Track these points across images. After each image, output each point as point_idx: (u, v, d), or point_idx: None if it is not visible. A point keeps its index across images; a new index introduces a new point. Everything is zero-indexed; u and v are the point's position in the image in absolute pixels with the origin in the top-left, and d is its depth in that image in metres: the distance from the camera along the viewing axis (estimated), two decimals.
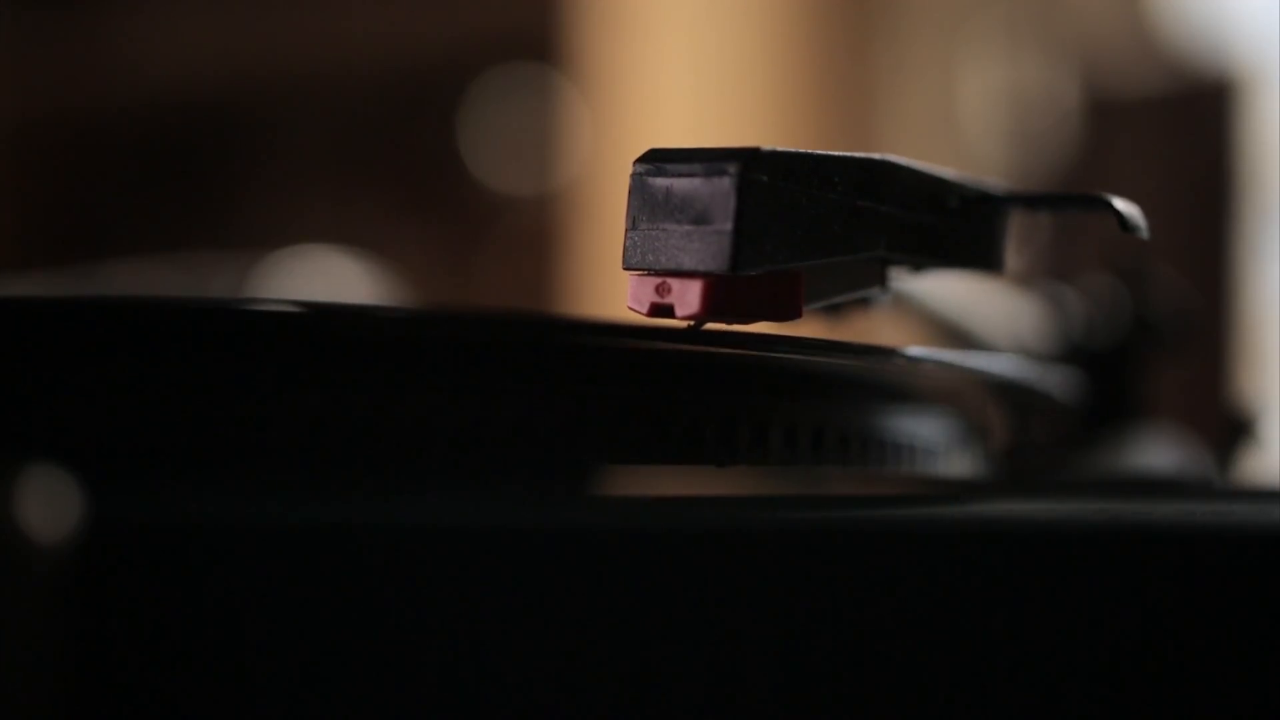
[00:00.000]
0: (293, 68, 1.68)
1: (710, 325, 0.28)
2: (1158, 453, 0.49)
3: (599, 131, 1.53)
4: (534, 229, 1.60)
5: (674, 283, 0.27)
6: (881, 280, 0.31)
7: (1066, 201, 0.37)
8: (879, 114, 1.54)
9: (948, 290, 0.45)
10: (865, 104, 1.56)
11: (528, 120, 1.62)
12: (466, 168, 1.65)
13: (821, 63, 1.56)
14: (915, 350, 0.30)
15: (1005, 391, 0.36)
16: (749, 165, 0.27)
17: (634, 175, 0.28)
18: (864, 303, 0.34)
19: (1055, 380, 0.39)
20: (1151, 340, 0.50)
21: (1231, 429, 0.49)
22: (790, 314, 0.28)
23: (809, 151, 0.28)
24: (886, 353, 0.30)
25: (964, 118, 1.46)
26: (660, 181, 0.27)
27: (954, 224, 0.31)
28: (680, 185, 0.27)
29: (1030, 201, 0.33)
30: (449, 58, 1.63)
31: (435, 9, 1.64)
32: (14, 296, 0.27)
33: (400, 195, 1.68)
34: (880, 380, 0.32)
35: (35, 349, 0.27)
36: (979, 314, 0.46)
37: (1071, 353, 0.49)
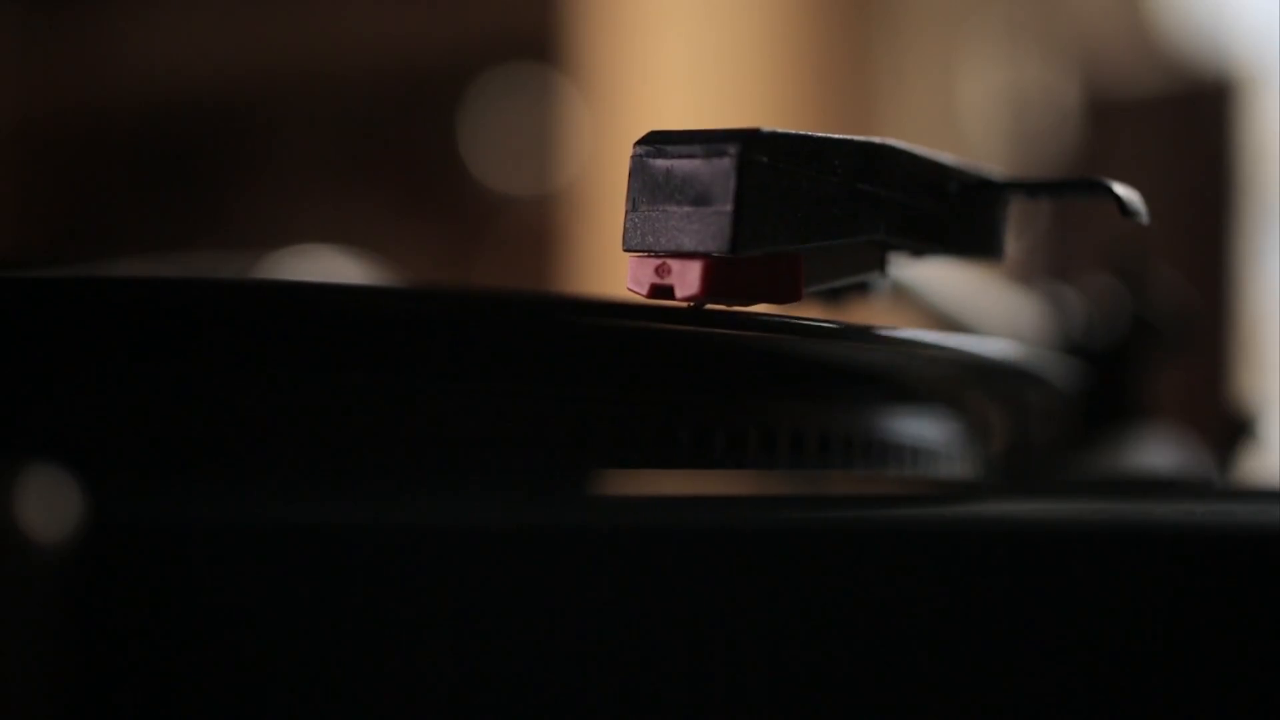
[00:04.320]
0: (292, 68, 1.68)
1: (710, 306, 0.28)
2: (1158, 453, 0.49)
3: (599, 131, 1.53)
4: (534, 229, 1.60)
5: (674, 264, 0.27)
6: (881, 265, 0.31)
7: (1066, 187, 0.37)
8: (879, 114, 1.54)
9: (947, 282, 0.45)
10: (865, 104, 1.56)
11: (528, 120, 1.62)
12: (466, 168, 1.65)
13: (821, 63, 1.56)
14: (914, 332, 0.30)
15: (1001, 375, 0.35)
16: (749, 146, 0.27)
17: (634, 156, 0.28)
18: (863, 288, 0.34)
19: (1051, 365, 0.39)
20: (1151, 340, 0.50)
21: (1231, 429, 0.49)
22: (790, 296, 0.28)
23: (809, 134, 0.28)
24: (886, 332, 0.30)
25: (964, 118, 1.46)
26: (660, 163, 0.27)
27: (954, 210, 0.31)
28: (680, 166, 0.27)
29: (1030, 188, 0.33)
30: (449, 58, 1.63)
31: (435, 9, 1.64)
32: (11, 294, 0.27)
33: (400, 195, 1.68)
34: (879, 366, 0.32)
35: (35, 346, 0.27)
36: (978, 307, 0.46)
37: (1071, 353, 0.49)
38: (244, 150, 1.74)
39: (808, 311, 0.30)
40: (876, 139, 0.29)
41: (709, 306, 0.28)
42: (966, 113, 1.46)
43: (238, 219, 1.71)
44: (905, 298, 0.43)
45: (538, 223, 1.60)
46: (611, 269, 1.33)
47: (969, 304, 0.46)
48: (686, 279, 0.27)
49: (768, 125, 0.27)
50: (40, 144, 1.78)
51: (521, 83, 1.62)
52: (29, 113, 1.78)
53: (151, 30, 1.74)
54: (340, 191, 1.69)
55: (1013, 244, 0.32)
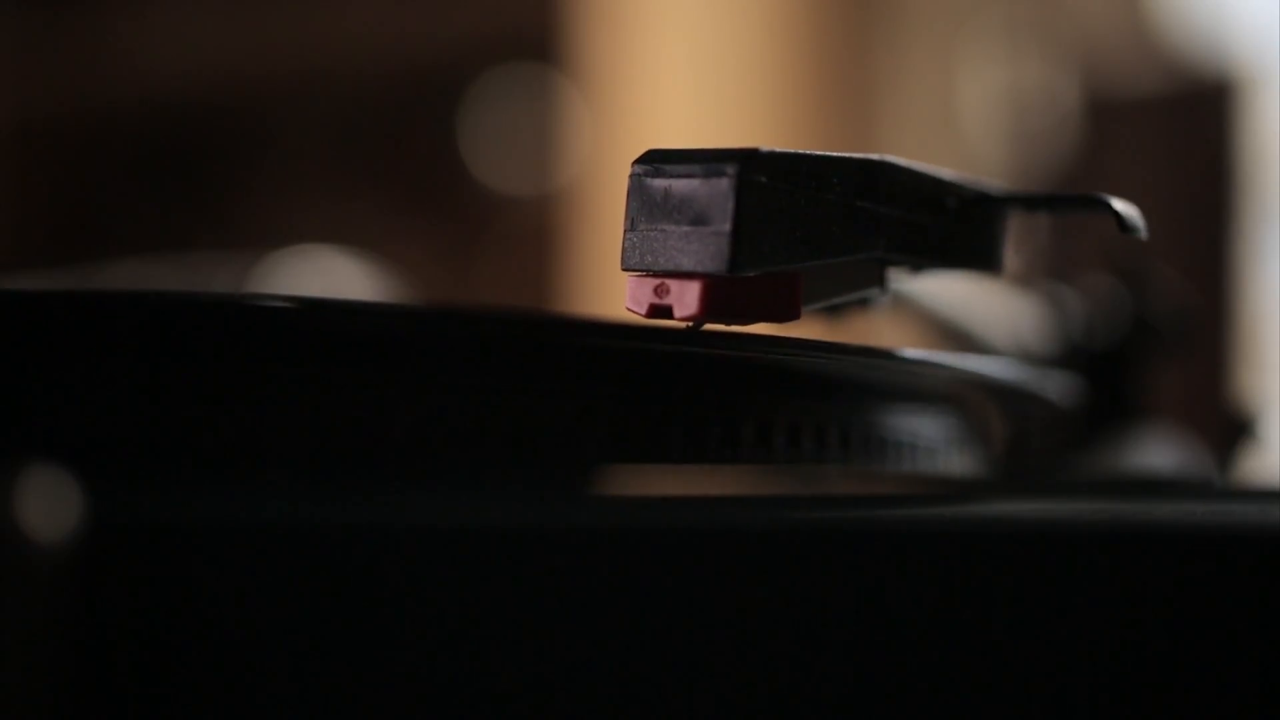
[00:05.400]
0: (292, 68, 1.68)
1: (709, 326, 0.28)
2: (1158, 453, 0.49)
3: (599, 131, 1.53)
4: (534, 229, 1.60)
5: (673, 284, 0.27)
6: (880, 281, 0.31)
7: (1065, 202, 0.37)
8: (879, 114, 1.54)
9: (947, 291, 0.45)
10: (865, 104, 1.56)
11: (528, 120, 1.62)
12: (466, 168, 1.65)
13: (821, 63, 1.56)
14: (912, 352, 0.30)
15: (1001, 394, 0.36)
16: (747, 166, 0.27)
17: (632, 176, 0.28)
18: (863, 304, 0.34)
19: (1051, 382, 0.39)
20: (1151, 340, 0.50)
21: (1231, 429, 0.49)
22: (789, 315, 0.28)
23: (807, 152, 0.28)
24: (884, 354, 0.30)
25: (964, 118, 1.46)
26: (659, 182, 0.27)
27: (953, 225, 0.31)
28: (679, 186, 0.27)
29: (1029, 202, 0.33)
30: (449, 58, 1.63)
31: (435, 9, 1.64)
32: (13, 294, 0.27)
33: (400, 195, 1.68)
34: (879, 381, 0.32)
35: (35, 347, 0.27)
36: (978, 315, 0.46)
37: (1071, 353, 0.49)
38: (244, 150, 1.74)
39: (808, 329, 0.30)
40: (875, 156, 0.29)
41: (707, 326, 0.28)
42: (966, 113, 1.46)
43: (238, 219, 1.71)
44: (905, 307, 0.43)
45: (538, 223, 1.60)
46: (610, 270, 1.33)
47: (969, 309, 0.46)
48: (685, 299, 0.27)
49: (767, 139, 0.27)
50: (40, 144, 1.78)
51: (521, 83, 1.62)
52: (29, 113, 1.78)
53: (151, 30, 1.74)
54: (340, 191, 1.69)
55: (1012, 258, 0.32)
